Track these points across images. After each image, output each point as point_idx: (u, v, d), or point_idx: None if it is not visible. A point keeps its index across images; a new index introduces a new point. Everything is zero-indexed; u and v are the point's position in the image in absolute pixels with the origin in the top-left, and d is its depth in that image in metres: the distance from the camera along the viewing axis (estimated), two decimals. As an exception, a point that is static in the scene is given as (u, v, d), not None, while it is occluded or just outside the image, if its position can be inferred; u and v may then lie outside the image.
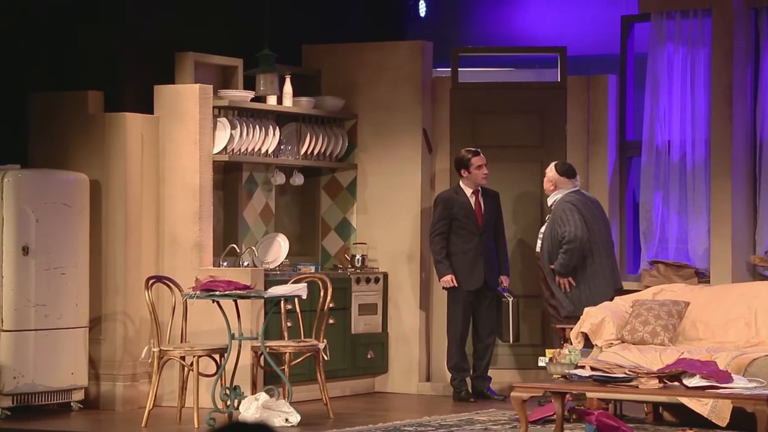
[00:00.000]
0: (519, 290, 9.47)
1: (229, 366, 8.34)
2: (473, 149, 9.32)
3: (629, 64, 9.94)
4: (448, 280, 9.24)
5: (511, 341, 9.27)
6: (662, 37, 9.64)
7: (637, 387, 7.08)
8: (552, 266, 8.94)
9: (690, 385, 7.00)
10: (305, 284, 8.48)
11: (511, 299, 9.19)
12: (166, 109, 9.07)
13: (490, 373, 9.39)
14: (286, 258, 9.50)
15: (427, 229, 9.79)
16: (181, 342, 8.55)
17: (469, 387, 9.32)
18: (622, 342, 8.32)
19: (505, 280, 9.32)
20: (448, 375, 9.80)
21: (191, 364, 8.28)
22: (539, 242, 9.09)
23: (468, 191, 9.32)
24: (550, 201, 9.09)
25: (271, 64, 9.06)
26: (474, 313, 9.31)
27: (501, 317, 9.19)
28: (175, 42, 9.21)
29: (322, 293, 8.75)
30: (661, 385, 7.06)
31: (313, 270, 9.37)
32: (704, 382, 6.99)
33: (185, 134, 9.01)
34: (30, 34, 9.09)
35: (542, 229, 9.08)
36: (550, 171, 9.09)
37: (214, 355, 8.36)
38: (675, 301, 8.51)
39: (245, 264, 9.26)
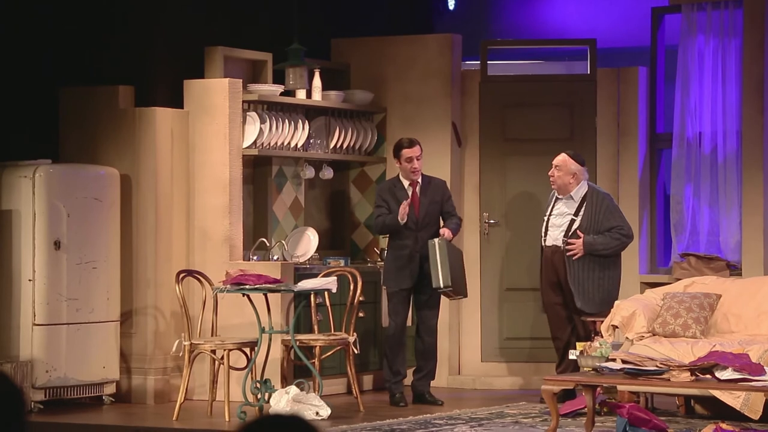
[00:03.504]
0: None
1: (260, 359, 8.35)
2: (410, 139, 8.78)
3: (660, 56, 9.89)
4: (403, 210, 8.49)
5: (441, 284, 8.38)
6: (693, 29, 9.59)
7: (669, 380, 7.05)
8: (582, 237, 8.52)
9: (722, 378, 6.97)
10: (335, 278, 8.49)
11: (437, 240, 8.43)
12: (195, 104, 9.09)
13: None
14: (315, 252, 9.51)
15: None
16: (212, 336, 8.57)
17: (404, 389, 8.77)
18: (654, 335, 8.29)
19: (446, 233, 8.57)
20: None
21: (222, 358, 8.30)
22: (559, 236, 8.70)
23: (405, 183, 8.72)
24: (577, 194, 8.75)
25: (300, 58, 9.07)
26: (416, 311, 8.81)
27: (430, 262, 8.45)
28: (204, 37, 9.23)
29: (351, 287, 8.75)
30: (693, 378, 7.03)
31: (342, 263, 9.37)
32: (736, 375, 6.95)
33: (215, 128, 9.03)
34: (61, 28, 9.12)
35: (575, 225, 8.71)
36: (571, 164, 8.71)
37: (244, 349, 8.38)
38: (706, 293, 8.47)
39: (275, 258, 9.27)
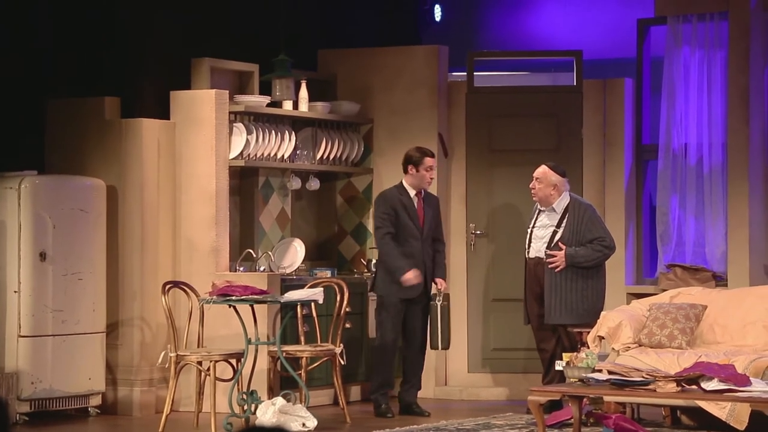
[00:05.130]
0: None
1: (246, 371, 8.34)
2: (428, 148, 8.95)
3: (645, 68, 9.93)
4: (413, 276, 8.59)
5: (440, 348, 8.77)
6: (678, 40, 9.63)
7: (655, 390, 7.06)
8: (564, 249, 8.54)
9: (708, 389, 6.98)
10: (321, 289, 8.48)
11: (440, 303, 8.70)
12: (182, 115, 9.09)
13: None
14: (302, 263, 9.51)
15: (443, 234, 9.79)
16: (198, 347, 8.56)
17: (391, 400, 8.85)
18: (640, 345, 8.30)
19: (441, 283, 8.79)
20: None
21: (208, 369, 8.29)
22: (542, 247, 8.70)
23: (411, 192, 8.80)
24: (559, 205, 8.73)
25: (286, 69, 9.08)
26: (404, 320, 8.78)
27: (431, 322, 8.73)
28: (191, 48, 9.23)
29: (338, 298, 8.75)
30: (679, 388, 7.05)
31: (329, 274, 9.37)
32: (722, 386, 6.97)
33: (201, 140, 9.03)
34: (47, 40, 9.11)
35: (557, 237, 8.71)
36: (552, 175, 8.71)
37: (230, 360, 8.37)
38: (692, 304, 8.49)
39: (261, 269, 9.27)
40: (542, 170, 8.79)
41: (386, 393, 8.80)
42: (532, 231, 8.86)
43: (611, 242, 8.74)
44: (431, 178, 8.87)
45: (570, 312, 8.65)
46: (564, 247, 8.66)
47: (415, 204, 8.84)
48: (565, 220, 8.76)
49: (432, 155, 8.89)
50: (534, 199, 8.84)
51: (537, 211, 8.88)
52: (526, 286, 8.86)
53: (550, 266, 8.67)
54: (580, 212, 8.75)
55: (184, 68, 9.17)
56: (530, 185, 8.83)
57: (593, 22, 10.44)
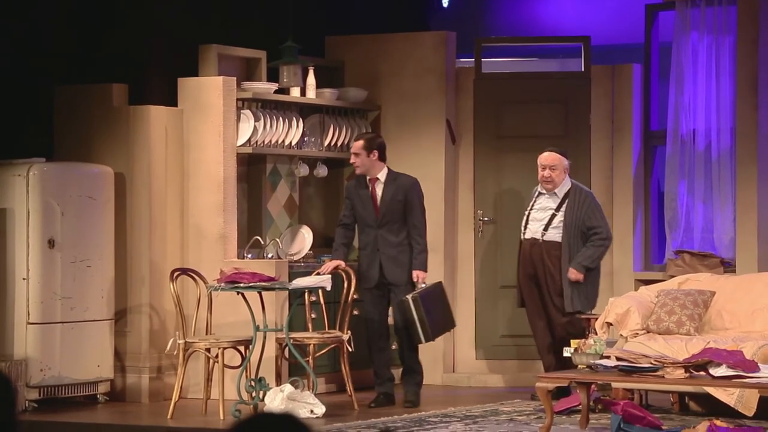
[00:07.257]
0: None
1: (254, 358, 8.36)
2: (361, 133, 8.79)
3: (654, 53, 9.90)
4: (329, 265, 8.61)
5: (423, 341, 8.42)
6: (687, 26, 9.60)
7: (663, 377, 7.06)
8: (569, 269, 8.58)
9: (716, 375, 6.98)
10: (329, 276, 8.48)
11: (410, 297, 8.32)
12: (190, 102, 9.09)
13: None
14: (310, 250, 9.51)
15: (451, 220, 9.79)
16: (206, 334, 8.57)
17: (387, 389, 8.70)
18: (648, 332, 8.30)
19: (420, 276, 8.47)
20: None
21: (216, 356, 8.30)
22: (539, 229, 8.69)
23: (367, 178, 8.62)
24: (561, 189, 8.70)
25: (294, 56, 9.07)
26: (395, 313, 8.59)
27: (407, 319, 8.40)
28: (198, 34, 9.23)
29: (346, 284, 8.75)
30: (687, 374, 7.04)
31: (337, 261, 9.36)
32: (730, 372, 6.96)
33: (209, 126, 9.03)
34: (55, 27, 9.12)
35: (556, 219, 8.70)
36: (564, 161, 8.68)
37: (239, 347, 8.38)
38: (701, 290, 8.48)
39: (269, 256, 9.27)
40: (555, 157, 8.75)
41: (381, 383, 8.65)
42: (529, 213, 8.85)
43: (607, 232, 8.72)
44: (351, 162, 8.68)
45: (569, 301, 8.67)
46: (570, 269, 8.61)
47: (369, 190, 8.65)
48: (565, 204, 8.75)
49: (355, 139, 8.73)
50: (548, 187, 8.78)
51: (537, 193, 8.87)
52: (519, 268, 8.85)
53: (572, 281, 8.63)
54: (581, 198, 8.75)
55: (191, 55, 9.16)
56: (544, 174, 8.74)
57: (601, 8, 10.41)
